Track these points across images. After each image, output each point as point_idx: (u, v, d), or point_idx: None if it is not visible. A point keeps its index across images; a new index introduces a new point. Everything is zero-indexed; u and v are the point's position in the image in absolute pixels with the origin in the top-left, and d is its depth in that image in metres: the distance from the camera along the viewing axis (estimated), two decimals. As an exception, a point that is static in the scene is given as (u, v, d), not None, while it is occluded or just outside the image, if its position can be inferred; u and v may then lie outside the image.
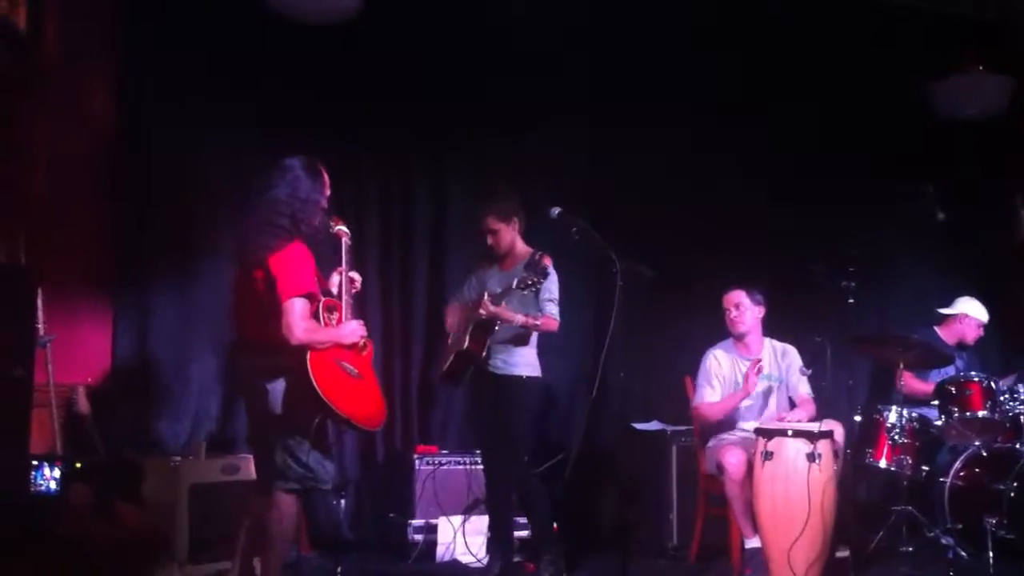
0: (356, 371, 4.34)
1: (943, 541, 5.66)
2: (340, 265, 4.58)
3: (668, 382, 6.41)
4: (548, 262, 5.30)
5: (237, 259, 4.45)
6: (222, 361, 6.02)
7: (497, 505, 5.50)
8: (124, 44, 6.08)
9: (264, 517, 4.32)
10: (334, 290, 4.56)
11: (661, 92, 6.83)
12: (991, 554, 5.46)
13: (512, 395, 5.34)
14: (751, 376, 5.60)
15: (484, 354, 5.29)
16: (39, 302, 5.17)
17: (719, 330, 6.04)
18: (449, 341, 5.62)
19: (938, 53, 7.22)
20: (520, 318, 5.22)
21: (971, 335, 6.76)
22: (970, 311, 6.75)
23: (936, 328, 6.82)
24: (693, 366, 5.98)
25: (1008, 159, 7.55)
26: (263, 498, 4.35)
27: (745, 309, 5.81)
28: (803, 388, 5.81)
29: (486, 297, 5.18)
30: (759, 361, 5.69)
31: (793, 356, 5.85)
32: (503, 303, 5.18)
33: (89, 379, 5.70)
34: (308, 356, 4.13)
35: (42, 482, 4.20)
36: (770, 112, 7.05)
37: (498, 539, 5.51)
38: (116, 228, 6.03)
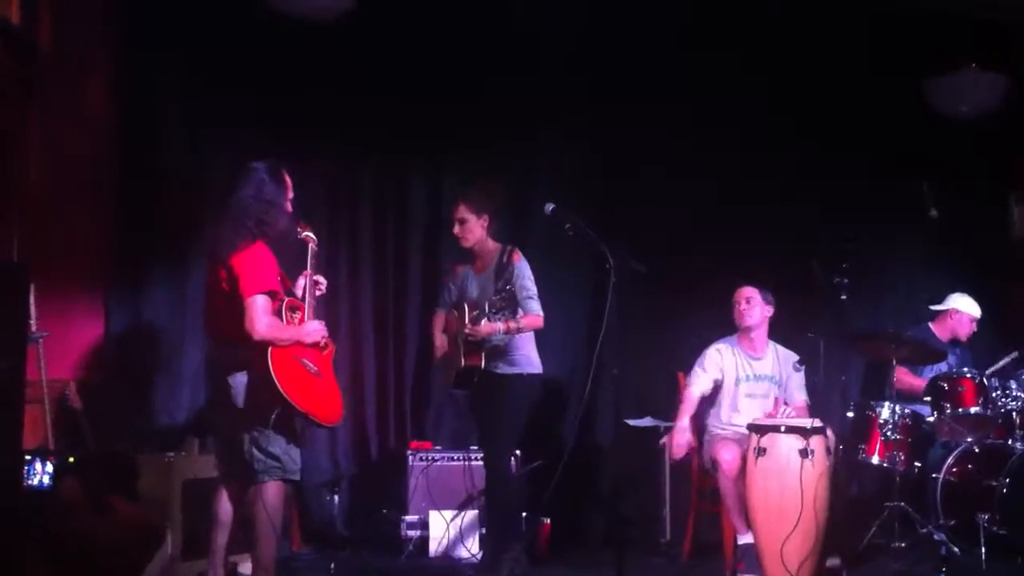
0: (316, 369, 4.45)
1: (935, 537, 5.66)
2: (306, 269, 4.67)
3: (662, 378, 6.42)
4: (517, 258, 5.35)
5: (207, 258, 4.59)
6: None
7: (498, 500, 5.50)
8: (123, 43, 6.09)
9: (249, 510, 4.42)
10: (299, 292, 4.65)
11: (659, 92, 6.83)
12: (983, 550, 5.49)
13: (510, 391, 5.36)
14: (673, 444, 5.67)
15: (483, 364, 5.32)
16: (31, 298, 5.16)
17: (714, 326, 6.06)
18: (440, 348, 5.65)
19: (934, 52, 7.22)
20: (500, 326, 5.23)
21: (963, 331, 6.76)
22: (961, 306, 6.75)
23: (930, 325, 6.82)
24: (687, 362, 5.99)
25: (1004, 157, 7.55)
26: (241, 491, 4.47)
27: (755, 305, 5.84)
28: (799, 396, 5.83)
29: (467, 319, 5.22)
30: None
31: (792, 362, 5.84)
32: (483, 321, 5.19)
33: (82, 375, 5.70)
34: (269, 351, 4.25)
35: (34, 476, 4.20)
36: (768, 111, 7.04)
37: (501, 534, 5.47)
38: (110, 226, 6.04)
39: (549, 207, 5.08)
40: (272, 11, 5.86)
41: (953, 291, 6.86)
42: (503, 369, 5.37)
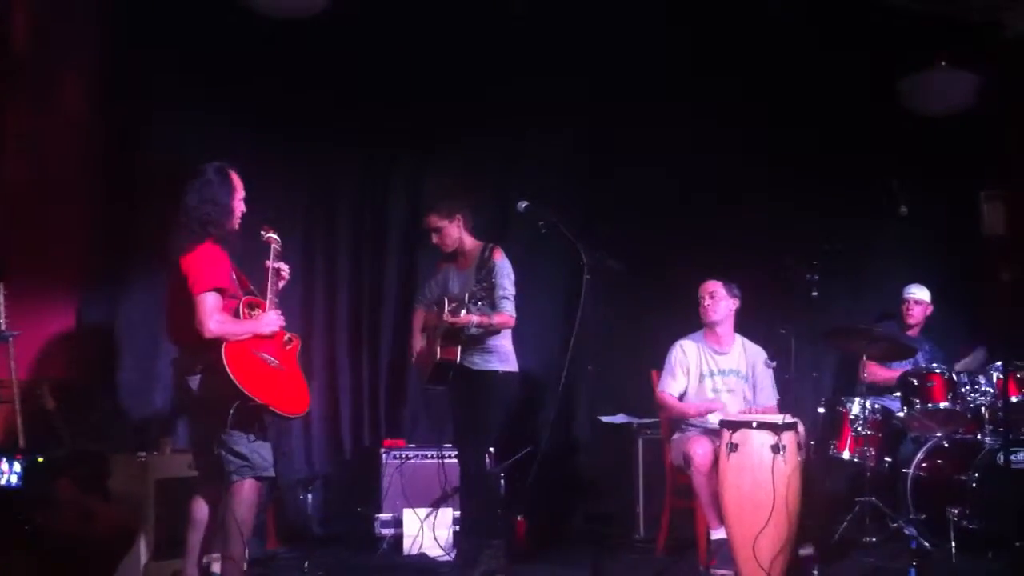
0: (277, 362, 4.46)
1: (906, 532, 5.72)
2: (267, 261, 4.69)
3: (635, 375, 6.43)
4: (498, 256, 5.41)
5: (164, 262, 4.59)
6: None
7: (474, 497, 5.53)
8: (103, 41, 6.05)
9: (221, 509, 4.43)
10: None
11: (634, 91, 6.87)
12: (953, 544, 5.52)
13: (485, 389, 5.40)
14: (707, 407, 5.68)
15: (458, 359, 5.35)
16: (1, 298, 5.16)
17: (687, 323, 6.07)
18: (417, 346, 5.68)
19: (907, 51, 7.28)
20: (475, 319, 5.28)
21: (913, 314, 6.82)
22: (906, 292, 6.85)
23: (896, 321, 6.89)
24: (660, 359, 6.01)
25: (974, 154, 7.62)
26: (216, 492, 4.47)
27: (719, 299, 5.84)
28: (771, 397, 5.80)
29: (446, 310, 5.28)
30: (722, 407, 5.72)
31: (760, 359, 5.85)
32: (462, 312, 5.25)
33: (55, 374, 5.67)
34: (223, 346, 4.26)
35: (1, 476, 4.18)
36: (741, 110, 7.07)
37: (478, 531, 5.48)
38: (85, 225, 5.99)
39: (522, 204, 5.11)
40: (254, 11, 5.85)
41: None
42: (479, 365, 5.40)
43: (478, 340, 5.39)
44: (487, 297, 5.26)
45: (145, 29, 6.01)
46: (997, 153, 7.58)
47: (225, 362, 4.23)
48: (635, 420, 6.47)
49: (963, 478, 5.74)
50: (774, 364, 5.73)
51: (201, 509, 4.55)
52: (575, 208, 6.23)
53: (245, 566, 4.49)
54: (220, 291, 4.34)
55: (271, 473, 4.50)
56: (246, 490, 4.39)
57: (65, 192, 5.93)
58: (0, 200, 5.64)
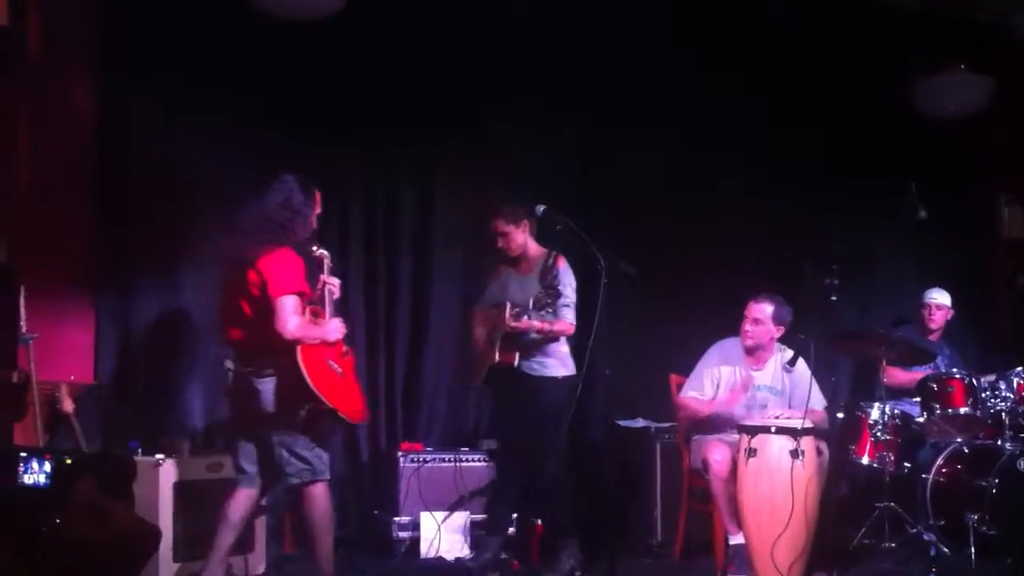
0: (340, 370, 4.59)
1: (925, 537, 5.69)
2: (321, 275, 4.79)
3: (653, 379, 6.42)
4: (561, 264, 5.48)
5: (228, 261, 4.68)
6: (204, 359, 6.00)
7: (501, 500, 5.59)
8: (107, 42, 6.05)
9: (303, 514, 4.63)
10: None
11: (648, 92, 6.87)
12: (973, 550, 5.50)
13: (545, 395, 5.46)
14: (737, 392, 5.62)
15: (516, 363, 5.41)
16: (22, 300, 5.18)
17: (703, 326, 6.07)
18: (478, 349, 5.71)
19: (921, 53, 7.26)
20: (536, 324, 5.34)
21: (935, 318, 6.79)
22: (928, 297, 6.82)
23: (915, 325, 6.86)
24: (678, 363, 6.01)
25: (991, 157, 7.59)
26: (260, 493, 4.65)
27: (762, 325, 5.72)
28: (819, 405, 5.62)
29: (508, 312, 5.31)
30: (751, 380, 5.68)
31: (800, 370, 5.69)
32: (524, 317, 5.32)
33: (72, 377, 5.68)
34: (299, 350, 4.35)
35: (31, 475, 4.20)
36: (753, 112, 7.07)
37: (492, 533, 5.51)
38: (99, 227, 6.00)
39: (539, 208, 5.13)
40: (257, 11, 5.84)
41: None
42: (537, 371, 5.46)
43: (536, 345, 5.44)
44: (550, 305, 5.31)
45: (144, 30, 6.00)
46: (1005, 155, 7.55)
47: (301, 365, 4.33)
48: (653, 424, 6.46)
49: (982, 484, 5.71)
50: (791, 369, 5.69)
51: (237, 511, 4.60)
52: (575, 209, 6.20)
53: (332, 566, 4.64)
54: (300, 295, 4.43)
55: (328, 476, 4.62)
56: (319, 492, 4.55)
57: (78, 195, 5.95)
58: (17, 204, 5.65)
